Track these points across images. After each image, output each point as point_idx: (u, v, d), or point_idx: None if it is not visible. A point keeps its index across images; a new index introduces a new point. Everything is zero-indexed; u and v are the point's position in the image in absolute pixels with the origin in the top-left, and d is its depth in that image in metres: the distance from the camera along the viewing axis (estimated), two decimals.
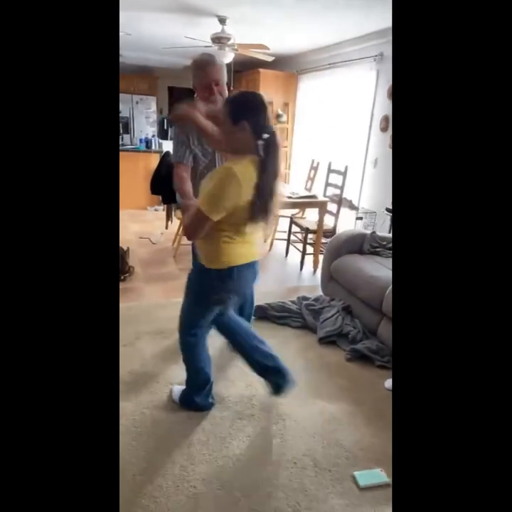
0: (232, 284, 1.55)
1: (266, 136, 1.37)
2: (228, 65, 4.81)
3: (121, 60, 6.27)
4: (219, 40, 3.88)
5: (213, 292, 1.58)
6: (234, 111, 1.38)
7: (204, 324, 1.71)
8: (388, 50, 3.87)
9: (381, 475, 1.54)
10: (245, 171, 1.36)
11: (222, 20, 3.75)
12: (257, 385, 2.03)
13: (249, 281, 1.64)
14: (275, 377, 1.80)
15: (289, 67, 5.74)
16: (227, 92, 1.89)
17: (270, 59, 4.46)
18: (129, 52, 6.04)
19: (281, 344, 2.40)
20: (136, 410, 1.81)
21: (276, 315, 2.67)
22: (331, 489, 1.49)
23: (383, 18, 3.42)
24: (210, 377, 1.81)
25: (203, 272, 1.56)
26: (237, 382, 2.05)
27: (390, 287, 2.31)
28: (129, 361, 2.16)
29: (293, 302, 2.81)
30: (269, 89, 5.54)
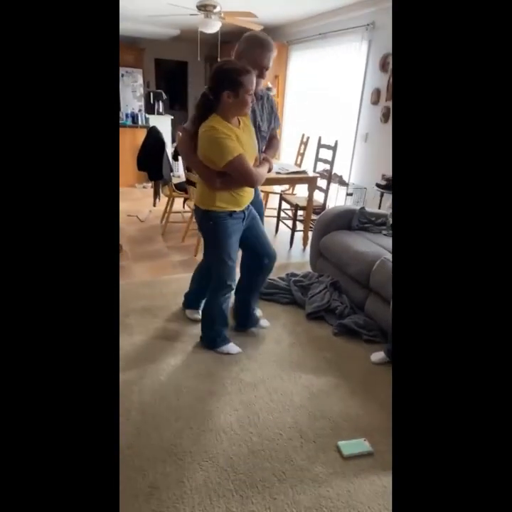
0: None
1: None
2: (215, 35, 4.64)
3: None
4: (205, 7, 3.73)
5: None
6: (214, 84, 1.64)
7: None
8: (380, 19, 3.74)
9: (364, 444, 1.58)
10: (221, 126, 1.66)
11: None
12: (244, 360, 2.05)
13: None
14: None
15: (279, 37, 5.56)
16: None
17: (259, 28, 4.29)
18: None
19: (270, 320, 2.42)
20: (125, 387, 1.82)
21: (265, 291, 2.67)
22: (316, 459, 1.52)
23: None
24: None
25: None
26: (224, 358, 2.07)
27: (378, 262, 2.32)
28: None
29: (282, 279, 2.81)
30: None
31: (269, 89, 5.55)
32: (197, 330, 2.22)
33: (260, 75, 1.86)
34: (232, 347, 2.12)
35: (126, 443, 1.53)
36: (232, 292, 2.09)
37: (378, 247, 2.53)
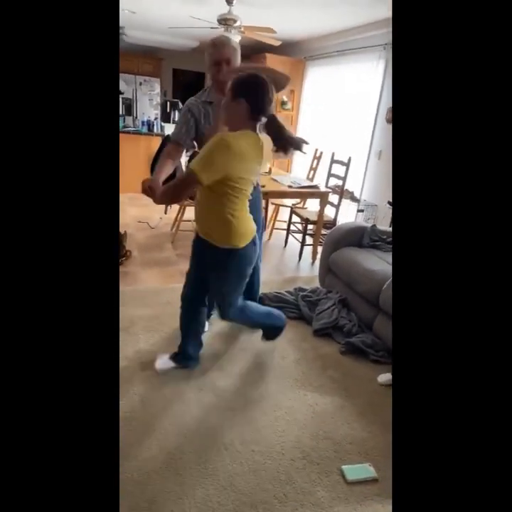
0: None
1: (264, 119, 1.52)
2: None
3: (125, 39, 6.14)
4: (225, 21, 3.77)
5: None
6: (235, 88, 1.50)
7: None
8: None
9: (369, 470, 1.53)
10: (240, 144, 1.45)
11: (229, 1, 3.64)
12: (247, 376, 2.03)
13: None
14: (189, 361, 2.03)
15: (297, 53, 5.62)
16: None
17: (277, 43, 4.35)
18: (133, 32, 5.91)
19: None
20: (128, 396, 1.80)
21: (272, 305, 2.65)
22: (319, 482, 1.48)
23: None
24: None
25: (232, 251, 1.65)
26: (229, 371, 2.04)
27: (388, 282, 2.29)
28: (124, 346, 2.15)
29: (289, 293, 2.79)
30: None
31: (283, 102, 5.60)
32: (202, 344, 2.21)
33: (219, 70, 1.89)
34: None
35: (127, 454, 1.51)
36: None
37: (389, 265, 2.50)
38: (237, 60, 1.94)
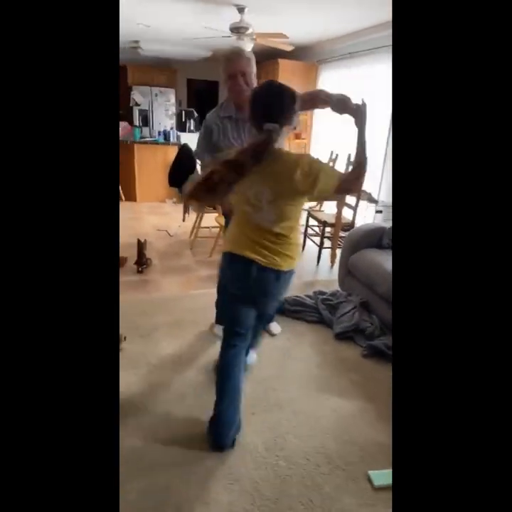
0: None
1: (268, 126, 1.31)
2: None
3: (140, 52, 6.29)
4: (237, 29, 3.83)
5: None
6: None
7: None
8: None
9: None
10: None
11: (240, 10, 3.69)
12: (269, 381, 2.02)
13: None
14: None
15: (309, 57, 5.63)
16: (255, 82, 1.90)
17: (289, 48, 4.37)
18: (148, 45, 6.04)
19: (296, 338, 2.38)
20: (152, 400, 1.82)
21: (291, 309, 2.64)
22: (345, 488, 1.46)
23: None
24: None
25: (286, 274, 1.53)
26: (251, 376, 2.04)
27: None
28: (146, 352, 2.18)
29: (309, 296, 2.78)
30: (288, 79, 5.44)
31: None
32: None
33: (234, 84, 1.84)
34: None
35: (151, 461, 1.52)
36: None
37: None
38: (253, 70, 1.89)
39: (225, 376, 1.64)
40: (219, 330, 2.30)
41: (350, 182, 1.45)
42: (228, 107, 1.96)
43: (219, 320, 2.32)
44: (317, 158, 1.42)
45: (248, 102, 1.39)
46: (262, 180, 1.38)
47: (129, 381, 1.95)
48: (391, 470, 1.52)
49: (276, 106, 1.33)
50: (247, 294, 1.58)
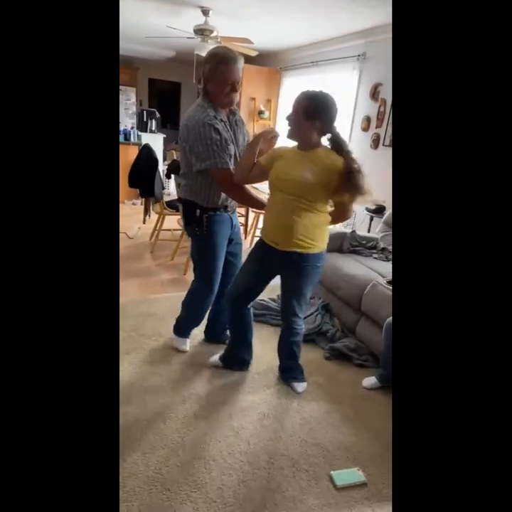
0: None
1: (329, 136, 1.66)
2: None
3: None
4: (202, 32, 3.80)
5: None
6: (309, 109, 1.60)
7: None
8: (371, 50, 3.89)
9: (358, 474, 1.53)
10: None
11: (205, 12, 3.67)
12: (231, 386, 2.00)
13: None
14: (239, 363, 2.13)
15: (273, 63, 5.71)
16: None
17: (253, 54, 4.41)
18: None
19: (260, 342, 2.38)
20: None
21: (255, 312, 2.64)
22: (308, 489, 1.47)
23: (367, 18, 3.43)
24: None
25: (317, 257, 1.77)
26: (212, 382, 2.02)
27: (369, 286, 2.32)
28: None
29: (272, 300, 2.79)
30: (251, 84, 5.50)
31: (261, 112, 5.67)
32: (180, 353, 2.18)
33: (233, 90, 1.78)
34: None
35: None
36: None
37: (369, 270, 2.54)
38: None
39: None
40: (179, 343, 2.25)
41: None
42: (218, 111, 1.80)
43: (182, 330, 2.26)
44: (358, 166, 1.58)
45: (307, 108, 1.61)
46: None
47: None
48: (352, 469, 1.55)
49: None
50: None
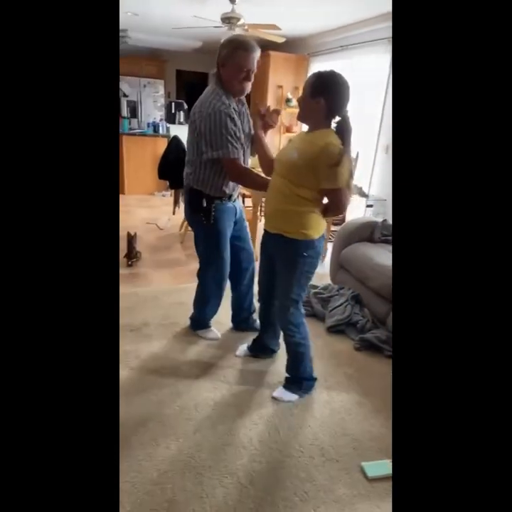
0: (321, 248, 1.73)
1: (338, 118, 1.53)
2: None
3: (128, 41, 6.15)
4: (229, 20, 3.76)
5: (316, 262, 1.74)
6: (315, 85, 1.52)
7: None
8: None
9: (389, 466, 1.52)
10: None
11: (232, 0, 3.63)
12: (262, 375, 2.02)
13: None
14: (266, 350, 2.13)
15: (300, 49, 5.59)
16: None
17: (281, 40, 4.33)
18: (136, 34, 5.92)
19: None
20: (143, 397, 1.80)
21: None
22: (339, 479, 1.47)
23: None
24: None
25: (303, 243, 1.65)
26: (244, 370, 2.04)
27: None
28: (137, 347, 2.15)
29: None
30: (279, 72, 5.41)
31: (288, 100, 5.58)
32: (215, 342, 2.22)
33: (247, 78, 1.77)
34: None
35: (145, 454, 1.51)
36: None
37: None
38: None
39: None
40: (205, 333, 2.30)
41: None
42: (227, 96, 1.78)
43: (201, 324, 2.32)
44: (341, 156, 1.46)
45: (312, 86, 1.53)
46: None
47: (120, 376, 1.92)
48: (384, 461, 1.54)
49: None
50: None
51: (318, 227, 1.66)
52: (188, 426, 1.66)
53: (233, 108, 1.78)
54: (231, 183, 1.92)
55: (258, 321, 2.19)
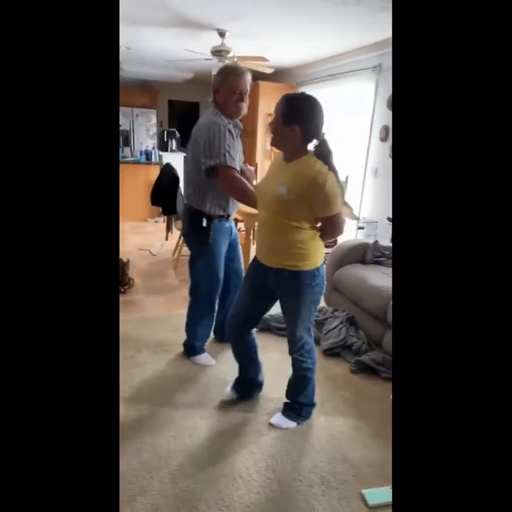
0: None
1: (315, 142, 1.49)
2: None
3: (122, 74, 6.34)
4: (219, 52, 3.91)
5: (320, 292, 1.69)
6: (287, 112, 1.45)
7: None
8: (386, 61, 3.89)
9: (390, 493, 1.48)
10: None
11: (221, 34, 3.78)
12: (256, 401, 1.98)
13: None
14: (253, 387, 1.98)
15: (289, 79, 5.79)
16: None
17: (269, 71, 4.49)
18: (129, 67, 6.10)
19: (283, 356, 2.35)
20: (135, 425, 1.75)
21: (277, 326, 2.62)
22: (339, 508, 1.43)
23: (381, 30, 3.45)
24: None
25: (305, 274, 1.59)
26: (237, 398, 2.00)
27: None
28: (129, 376, 2.11)
29: None
30: (268, 100, 5.58)
31: None
32: (209, 368, 2.18)
33: (240, 99, 1.88)
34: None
35: (139, 488, 1.45)
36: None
37: None
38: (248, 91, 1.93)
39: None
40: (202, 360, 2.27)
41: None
42: (223, 116, 1.89)
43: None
44: (334, 185, 1.45)
45: (285, 112, 1.45)
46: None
47: None
48: (385, 488, 1.50)
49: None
50: None
51: (320, 252, 1.62)
52: (182, 456, 1.61)
53: (230, 129, 1.88)
54: (230, 202, 1.99)
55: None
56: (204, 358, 2.26)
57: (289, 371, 1.83)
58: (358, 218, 4.29)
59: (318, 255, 1.61)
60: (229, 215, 2.05)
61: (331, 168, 1.47)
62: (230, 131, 1.85)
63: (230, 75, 1.87)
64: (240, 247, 2.26)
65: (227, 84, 1.87)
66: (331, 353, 2.40)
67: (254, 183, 2.05)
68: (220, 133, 1.82)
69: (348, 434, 1.78)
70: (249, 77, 1.91)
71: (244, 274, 2.19)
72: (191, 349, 2.28)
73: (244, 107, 1.92)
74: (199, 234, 1.99)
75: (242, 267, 2.26)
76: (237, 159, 1.90)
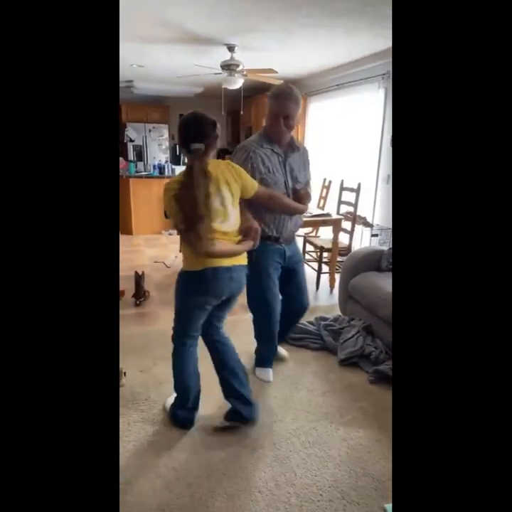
0: (205, 286, 1.66)
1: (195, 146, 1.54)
2: (237, 91, 4.94)
3: (134, 91, 6.49)
4: (228, 67, 3.98)
5: (190, 295, 1.73)
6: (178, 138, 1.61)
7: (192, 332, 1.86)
8: None
9: None
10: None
11: (230, 48, 3.85)
12: (273, 412, 1.96)
13: (225, 284, 1.67)
14: (240, 405, 1.81)
15: (299, 89, 5.84)
16: (294, 126, 1.93)
17: (279, 82, 4.53)
18: (141, 84, 6.25)
19: (300, 367, 2.33)
20: (153, 440, 1.75)
21: (293, 336, 2.60)
22: None
23: (388, 37, 3.46)
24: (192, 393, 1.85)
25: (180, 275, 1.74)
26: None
27: None
28: (146, 388, 2.11)
29: (310, 323, 2.74)
30: None
31: None
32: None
33: (281, 123, 1.86)
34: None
35: (158, 503, 1.44)
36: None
37: None
38: (298, 111, 1.92)
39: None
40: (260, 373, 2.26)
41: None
42: (266, 139, 1.93)
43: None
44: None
45: (208, 132, 1.53)
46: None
47: (130, 419, 1.88)
48: None
49: (201, 130, 1.55)
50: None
51: (190, 257, 1.75)
52: (200, 470, 1.59)
53: (272, 150, 1.92)
54: (272, 224, 1.95)
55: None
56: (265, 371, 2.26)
57: None
58: (371, 225, 4.25)
59: (187, 259, 1.73)
60: (278, 238, 1.99)
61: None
62: (249, 153, 1.86)
63: (272, 98, 1.89)
64: (304, 272, 2.25)
65: (269, 108, 1.90)
66: (348, 362, 2.36)
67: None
68: (238, 157, 1.88)
69: (368, 447, 1.74)
70: (294, 100, 1.86)
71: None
72: (258, 359, 2.29)
73: (285, 130, 1.89)
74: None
75: (306, 295, 2.27)
76: (255, 177, 1.83)
